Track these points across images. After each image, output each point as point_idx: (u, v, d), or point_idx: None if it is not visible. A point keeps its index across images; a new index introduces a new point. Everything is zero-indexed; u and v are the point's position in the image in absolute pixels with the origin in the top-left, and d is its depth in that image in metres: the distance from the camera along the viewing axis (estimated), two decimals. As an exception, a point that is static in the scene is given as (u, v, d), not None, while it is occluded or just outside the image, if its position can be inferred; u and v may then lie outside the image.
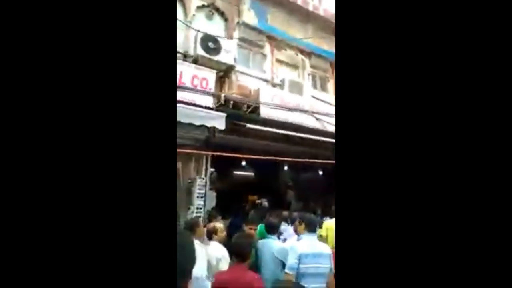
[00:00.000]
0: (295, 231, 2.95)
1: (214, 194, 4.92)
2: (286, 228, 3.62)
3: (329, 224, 4.16)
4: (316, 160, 5.52)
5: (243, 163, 6.06)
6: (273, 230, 2.78)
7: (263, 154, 4.98)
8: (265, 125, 4.87)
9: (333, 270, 2.31)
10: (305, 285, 2.13)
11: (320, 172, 6.98)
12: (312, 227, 2.41)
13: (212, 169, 5.13)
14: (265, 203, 6.35)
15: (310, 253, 2.26)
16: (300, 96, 5.71)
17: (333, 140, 5.53)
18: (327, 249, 2.37)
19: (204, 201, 4.34)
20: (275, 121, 4.94)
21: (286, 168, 6.79)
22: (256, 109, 4.85)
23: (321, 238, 3.75)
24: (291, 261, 2.21)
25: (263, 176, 7.47)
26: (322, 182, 7.11)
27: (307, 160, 5.43)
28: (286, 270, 2.22)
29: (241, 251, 1.90)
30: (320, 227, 4.35)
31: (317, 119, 5.48)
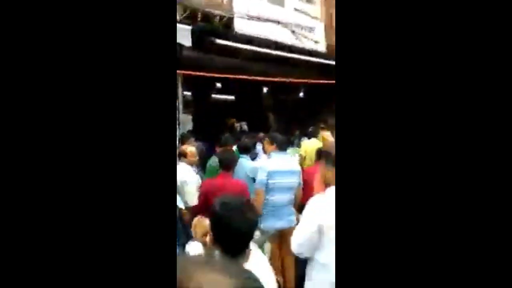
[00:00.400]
0: (263, 150, 3.00)
1: (190, 117, 4.77)
2: (261, 149, 3.66)
3: (308, 144, 4.23)
4: (297, 80, 5.28)
5: (219, 85, 5.74)
6: (245, 150, 2.83)
7: (238, 74, 4.65)
8: (240, 42, 4.38)
9: (302, 184, 2.44)
10: (273, 198, 2.29)
11: (301, 94, 6.83)
12: (281, 146, 2.43)
13: (187, 92, 4.83)
14: (245, 126, 6.33)
15: (279, 170, 2.34)
16: (281, 8, 5.08)
17: (317, 59, 5.27)
18: (296, 166, 2.48)
19: (178, 124, 4.19)
20: (251, 37, 4.46)
21: (266, 90, 6.55)
22: (229, 22, 4.28)
23: (300, 157, 3.89)
24: (260, 177, 2.31)
25: (243, 100, 7.27)
26: (302, 103, 7.03)
27: (287, 80, 5.16)
28: (256, 186, 2.32)
29: (227, 162, 2.25)
30: (299, 147, 4.46)
31: (300, 35, 5.03)
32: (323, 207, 1.39)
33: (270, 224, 2.30)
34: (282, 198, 2.35)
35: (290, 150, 4.26)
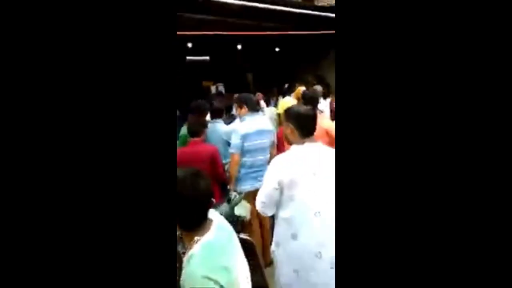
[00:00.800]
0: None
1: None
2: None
3: (285, 101, 4.16)
4: (272, 33, 4.97)
5: (189, 45, 5.38)
6: (218, 114, 2.74)
7: (208, 31, 4.33)
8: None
9: (276, 143, 2.44)
10: (249, 159, 2.30)
11: (277, 49, 6.55)
12: (252, 107, 2.36)
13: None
14: (221, 87, 6.12)
15: (252, 132, 2.31)
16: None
17: (290, 9, 4.92)
18: (269, 126, 2.43)
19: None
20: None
21: (239, 47, 6.23)
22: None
23: (278, 116, 3.85)
24: (234, 141, 2.29)
25: (218, 60, 6.92)
26: (279, 59, 6.79)
27: (262, 33, 4.85)
28: (230, 150, 2.30)
29: (195, 129, 2.24)
30: (276, 106, 4.39)
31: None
32: (282, 165, 1.41)
33: (248, 185, 2.33)
34: (258, 159, 2.35)
35: (267, 109, 4.21)
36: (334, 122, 4.18)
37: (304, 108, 1.49)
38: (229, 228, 1.01)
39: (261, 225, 2.33)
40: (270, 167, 1.46)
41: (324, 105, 4.39)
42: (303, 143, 1.45)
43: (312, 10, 5.14)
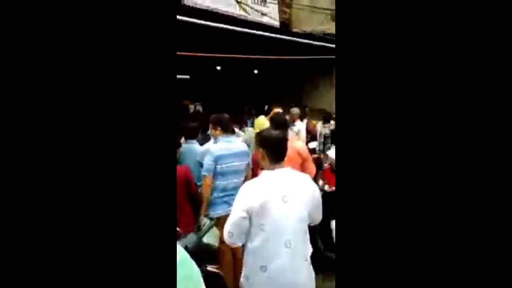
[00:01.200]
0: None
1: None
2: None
3: (260, 121, 4.17)
4: (251, 56, 5.07)
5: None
6: (192, 134, 2.67)
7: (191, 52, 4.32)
8: (191, 15, 4.02)
9: (251, 165, 2.38)
10: (222, 182, 2.22)
11: (255, 71, 6.69)
12: (227, 129, 2.32)
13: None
14: (199, 107, 6.09)
15: (226, 154, 2.25)
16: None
17: (269, 34, 5.10)
18: (243, 147, 2.38)
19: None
20: (197, 9, 4.13)
21: (219, 68, 6.29)
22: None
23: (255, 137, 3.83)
24: (206, 163, 2.20)
25: (197, 79, 6.93)
26: (257, 81, 6.91)
27: (240, 56, 4.92)
28: (202, 172, 2.22)
29: None
30: (253, 126, 4.40)
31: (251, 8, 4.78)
32: (251, 191, 1.36)
33: (220, 210, 2.23)
34: (232, 182, 2.28)
35: (249, 130, 4.20)
36: (312, 143, 4.27)
37: (274, 134, 1.47)
38: (191, 265, 0.93)
39: (234, 255, 2.19)
40: (238, 194, 1.40)
41: (301, 126, 4.46)
42: (273, 168, 1.42)
43: (288, 35, 5.34)
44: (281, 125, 2.19)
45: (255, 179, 1.46)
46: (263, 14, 5.18)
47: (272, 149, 1.42)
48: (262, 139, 1.46)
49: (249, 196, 1.35)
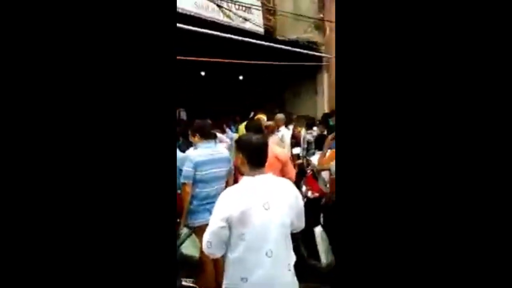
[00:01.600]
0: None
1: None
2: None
3: (243, 127, 4.12)
4: (235, 61, 5.03)
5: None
6: None
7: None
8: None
9: (233, 171, 2.32)
10: (202, 190, 2.15)
11: (241, 77, 6.67)
12: (206, 136, 2.26)
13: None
14: (183, 113, 5.98)
15: (206, 160, 2.18)
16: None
17: (253, 40, 5.11)
18: (224, 153, 2.32)
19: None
20: (182, 14, 4.08)
21: (203, 74, 6.23)
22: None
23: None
24: (185, 170, 2.13)
25: (181, 85, 6.81)
26: (241, 87, 6.89)
27: (224, 60, 4.88)
28: (181, 180, 2.13)
29: None
30: (237, 131, 4.34)
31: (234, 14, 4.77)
32: (230, 199, 1.30)
33: (200, 219, 2.15)
34: (213, 189, 2.20)
35: (233, 135, 4.14)
36: (296, 148, 4.25)
37: (254, 138, 1.42)
38: None
39: (216, 266, 2.08)
40: (217, 202, 1.33)
41: (286, 132, 4.45)
42: (254, 174, 1.36)
43: (273, 42, 5.37)
44: (256, 131, 2.15)
45: (235, 186, 1.40)
46: (246, 20, 5.19)
47: (252, 154, 1.36)
48: (241, 144, 1.40)
49: (228, 204, 1.29)
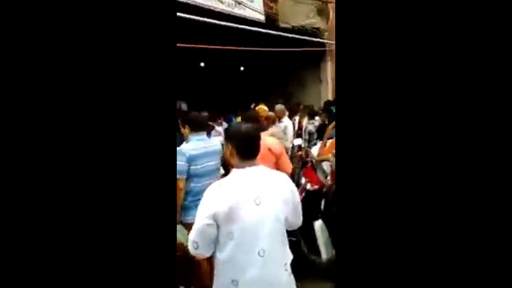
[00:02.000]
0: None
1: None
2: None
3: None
4: (236, 48, 4.86)
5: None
6: None
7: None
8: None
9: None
10: (197, 185, 2.05)
11: (242, 68, 6.51)
12: (198, 128, 2.14)
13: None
14: (184, 105, 5.89)
15: (199, 154, 2.08)
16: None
17: (255, 28, 4.94)
18: (217, 145, 2.21)
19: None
20: (180, 3, 3.92)
21: (202, 65, 6.09)
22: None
23: None
24: (178, 164, 2.02)
25: (181, 76, 6.70)
26: (243, 78, 6.73)
27: (224, 47, 4.71)
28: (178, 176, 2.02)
29: None
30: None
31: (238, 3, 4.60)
32: (217, 194, 1.18)
33: (193, 215, 2.04)
34: (206, 183, 2.10)
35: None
36: (297, 139, 4.12)
37: (244, 127, 1.30)
38: None
39: (211, 265, 2.02)
40: (203, 198, 1.22)
41: (288, 123, 4.32)
42: (244, 166, 1.24)
43: (276, 30, 5.19)
44: (251, 121, 2.02)
45: (222, 180, 1.29)
46: (241, 4, 4.99)
47: (241, 144, 1.24)
48: (230, 133, 1.29)
49: (215, 199, 1.18)
